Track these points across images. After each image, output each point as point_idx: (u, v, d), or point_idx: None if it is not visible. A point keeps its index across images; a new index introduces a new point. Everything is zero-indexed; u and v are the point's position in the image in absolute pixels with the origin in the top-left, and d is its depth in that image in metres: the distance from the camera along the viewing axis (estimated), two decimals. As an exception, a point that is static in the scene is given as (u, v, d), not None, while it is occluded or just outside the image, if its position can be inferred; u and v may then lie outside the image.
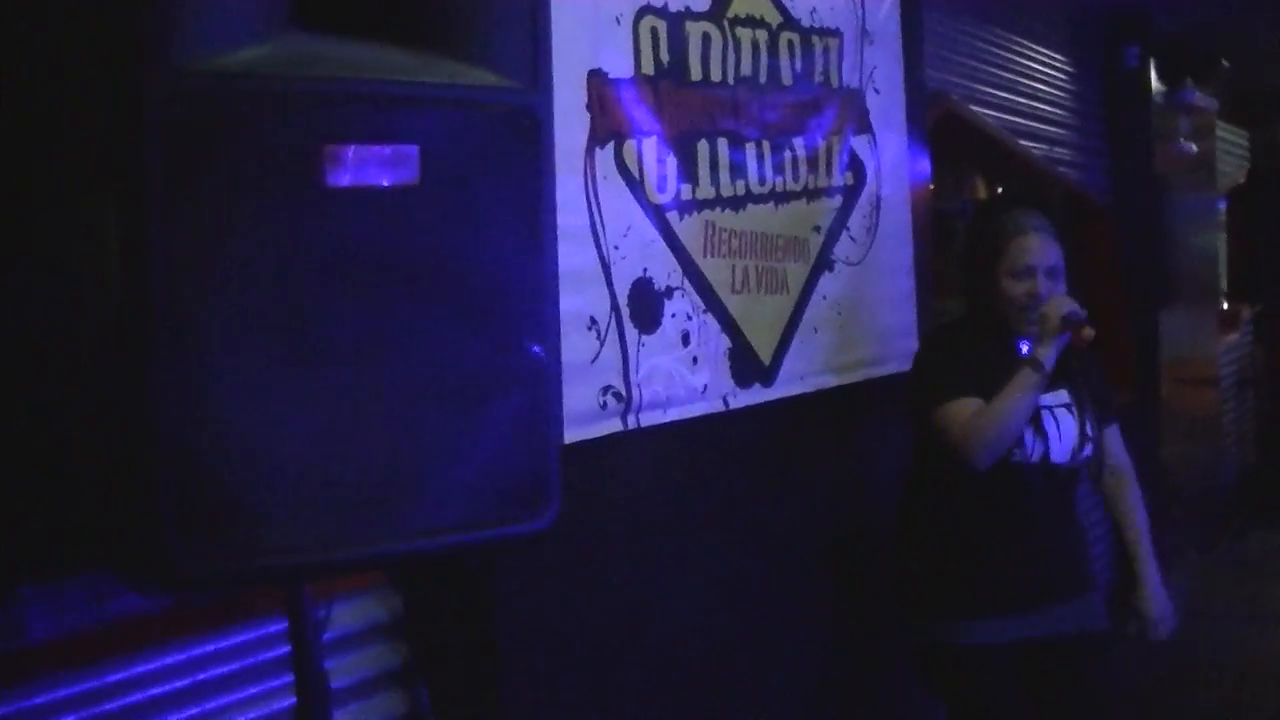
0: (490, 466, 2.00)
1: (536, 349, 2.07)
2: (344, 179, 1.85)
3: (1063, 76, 7.32)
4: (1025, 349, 3.63)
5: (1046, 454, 3.66)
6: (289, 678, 2.24)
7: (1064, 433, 3.71)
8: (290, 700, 2.26)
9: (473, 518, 1.99)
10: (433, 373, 1.94)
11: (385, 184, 1.89)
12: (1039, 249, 3.68)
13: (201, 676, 2.65)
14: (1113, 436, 3.93)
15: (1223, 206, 10.07)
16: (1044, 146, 7.00)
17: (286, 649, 2.22)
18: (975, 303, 3.82)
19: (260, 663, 2.73)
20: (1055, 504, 3.79)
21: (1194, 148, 9.05)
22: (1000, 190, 7.10)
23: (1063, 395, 3.74)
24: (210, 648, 2.67)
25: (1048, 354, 3.54)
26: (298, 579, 2.08)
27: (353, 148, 1.86)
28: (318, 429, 1.84)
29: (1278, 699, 6.16)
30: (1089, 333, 3.53)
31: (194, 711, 2.63)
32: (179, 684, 2.61)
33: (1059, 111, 7.25)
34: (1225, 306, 10.85)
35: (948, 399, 3.62)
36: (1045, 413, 3.68)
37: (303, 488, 1.83)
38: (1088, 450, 3.76)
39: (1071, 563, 3.85)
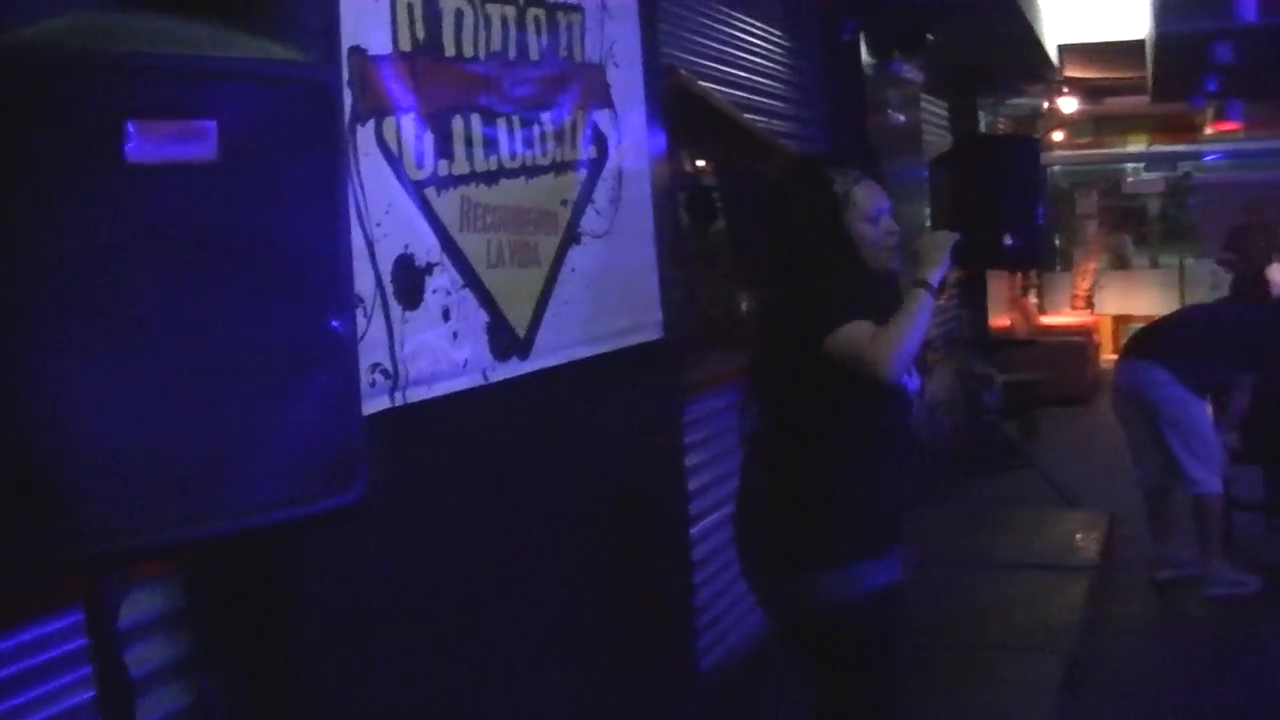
0: (302, 443, 2.00)
1: (335, 324, 2.07)
2: (143, 154, 1.83)
3: (782, 51, 7.50)
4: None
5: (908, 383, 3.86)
6: (85, 671, 2.18)
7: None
8: (89, 694, 2.20)
9: (287, 495, 1.98)
10: (243, 350, 1.93)
11: (183, 159, 1.87)
12: (881, 194, 3.98)
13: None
14: None
15: (925, 175, 10.40)
16: (765, 119, 7.16)
17: (82, 642, 2.16)
18: (819, 250, 3.83)
19: (56, 657, 2.62)
20: (909, 432, 4.03)
21: (902, 118, 9.37)
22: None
23: None
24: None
25: (935, 277, 3.79)
26: (117, 564, 2.03)
27: (150, 123, 1.84)
28: (128, 408, 1.81)
29: (1002, 641, 6.45)
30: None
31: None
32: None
33: (780, 85, 7.43)
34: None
35: (839, 324, 3.64)
36: None
37: (117, 468, 1.80)
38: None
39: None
